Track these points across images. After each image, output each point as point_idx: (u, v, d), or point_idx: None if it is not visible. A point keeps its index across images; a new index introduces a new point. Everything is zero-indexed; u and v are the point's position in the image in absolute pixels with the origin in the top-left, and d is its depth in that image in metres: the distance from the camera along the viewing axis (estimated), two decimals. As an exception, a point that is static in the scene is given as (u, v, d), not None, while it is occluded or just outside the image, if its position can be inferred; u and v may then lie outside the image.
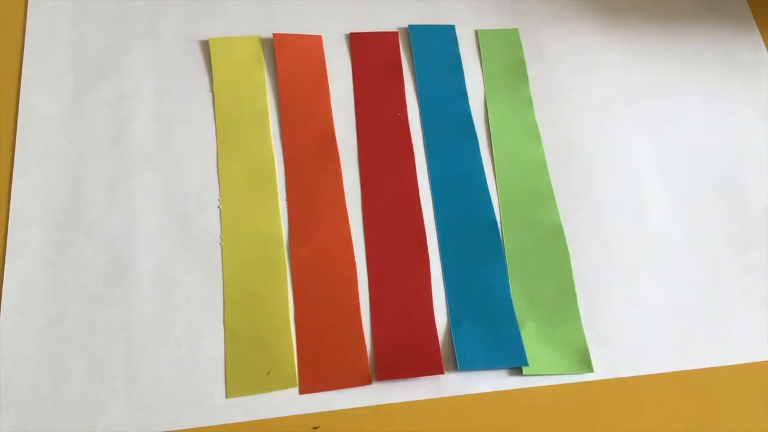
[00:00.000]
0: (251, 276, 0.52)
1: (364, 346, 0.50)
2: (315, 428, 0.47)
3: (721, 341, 0.54)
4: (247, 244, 0.53)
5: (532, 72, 0.63)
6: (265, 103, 0.58)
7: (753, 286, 0.56)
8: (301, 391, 0.49)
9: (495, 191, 0.57)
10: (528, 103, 0.61)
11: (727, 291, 0.55)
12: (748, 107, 0.64)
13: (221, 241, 0.53)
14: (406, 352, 0.50)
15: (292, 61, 0.60)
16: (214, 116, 0.57)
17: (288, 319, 0.51)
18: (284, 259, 0.53)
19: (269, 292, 0.51)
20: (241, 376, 0.48)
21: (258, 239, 0.53)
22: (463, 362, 0.50)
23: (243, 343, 0.49)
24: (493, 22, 0.65)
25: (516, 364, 0.51)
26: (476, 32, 0.64)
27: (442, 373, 0.50)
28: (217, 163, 0.55)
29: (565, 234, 0.56)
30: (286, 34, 0.61)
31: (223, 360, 0.49)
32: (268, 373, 0.49)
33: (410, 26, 0.63)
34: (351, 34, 0.62)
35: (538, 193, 0.57)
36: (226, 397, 0.48)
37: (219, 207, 0.54)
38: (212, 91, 0.58)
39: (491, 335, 0.51)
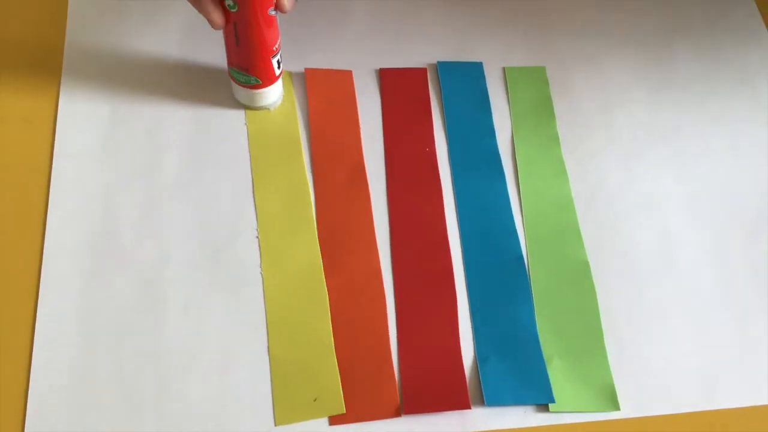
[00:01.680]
0: (293, 304, 0.52)
1: (394, 379, 0.51)
2: None
3: (748, 382, 0.53)
4: (287, 273, 0.53)
5: (559, 109, 0.63)
6: (297, 134, 0.59)
7: (781, 326, 0.56)
8: (331, 423, 0.49)
9: (522, 227, 0.58)
10: (555, 139, 0.62)
11: (755, 331, 0.55)
12: (776, 146, 0.64)
13: (261, 270, 0.53)
14: (433, 386, 0.51)
15: (323, 94, 0.61)
16: (247, 147, 0.58)
17: (331, 346, 0.51)
18: (324, 287, 0.53)
19: (311, 319, 0.52)
20: (289, 404, 0.49)
21: (298, 268, 0.54)
22: (489, 397, 0.50)
23: (289, 371, 0.50)
24: (520, 59, 0.66)
25: (543, 400, 0.51)
26: (504, 69, 0.65)
27: (469, 407, 0.50)
28: (253, 193, 0.56)
29: (592, 271, 0.56)
30: (318, 69, 0.62)
31: (259, 389, 0.49)
32: (315, 399, 0.49)
33: (439, 63, 0.64)
34: (381, 69, 0.63)
35: (565, 230, 0.58)
36: (275, 425, 0.48)
37: (257, 237, 0.54)
38: (246, 124, 0.59)
39: (518, 371, 0.51)
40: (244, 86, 0.57)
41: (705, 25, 0.70)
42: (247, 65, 0.55)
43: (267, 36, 0.53)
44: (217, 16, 0.51)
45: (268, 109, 0.60)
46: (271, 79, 0.57)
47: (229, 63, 0.56)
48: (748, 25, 0.70)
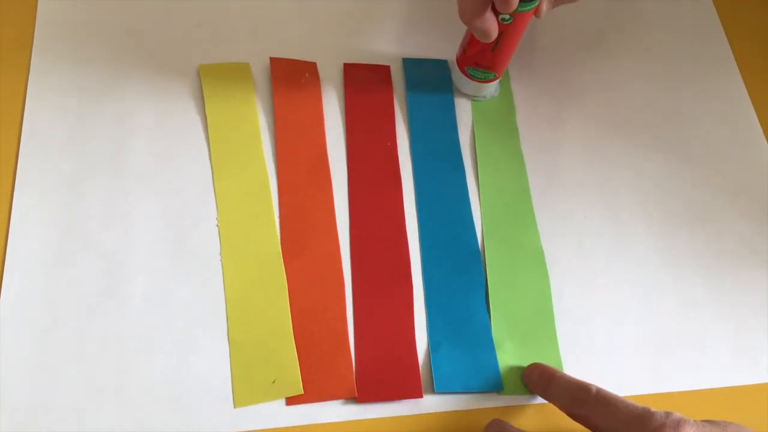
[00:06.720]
0: (252, 290, 0.53)
1: (350, 360, 0.52)
2: None
3: (694, 366, 0.55)
4: (246, 260, 0.54)
5: (519, 103, 0.65)
6: (257, 125, 0.60)
7: (726, 314, 0.58)
8: (288, 403, 0.50)
9: (479, 218, 0.59)
10: (514, 132, 0.63)
11: (701, 317, 0.57)
12: (725, 141, 0.66)
13: (221, 258, 0.54)
14: (387, 374, 0.52)
15: (288, 84, 0.62)
16: (207, 139, 0.59)
17: (290, 330, 0.52)
18: (283, 273, 0.54)
19: (270, 304, 0.53)
20: (248, 386, 0.50)
21: (257, 255, 0.55)
22: (440, 385, 0.51)
23: (248, 354, 0.51)
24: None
25: (491, 389, 0.52)
26: (467, 66, 0.66)
27: (421, 396, 0.51)
28: (213, 182, 0.57)
29: (546, 258, 0.58)
30: (283, 59, 0.63)
31: (219, 372, 0.51)
32: (274, 382, 0.50)
33: (404, 59, 0.65)
34: (345, 64, 0.64)
35: (521, 219, 0.59)
36: (235, 407, 0.50)
37: (217, 225, 0.56)
38: (205, 115, 0.60)
39: (469, 360, 0.53)
40: (481, 82, 0.62)
41: (661, 21, 0.72)
42: (494, 65, 0.60)
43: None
44: (495, 30, 0.54)
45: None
46: (503, 71, 0.62)
47: (470, 64, 0.61)
48: (703, 21, 0.73)
